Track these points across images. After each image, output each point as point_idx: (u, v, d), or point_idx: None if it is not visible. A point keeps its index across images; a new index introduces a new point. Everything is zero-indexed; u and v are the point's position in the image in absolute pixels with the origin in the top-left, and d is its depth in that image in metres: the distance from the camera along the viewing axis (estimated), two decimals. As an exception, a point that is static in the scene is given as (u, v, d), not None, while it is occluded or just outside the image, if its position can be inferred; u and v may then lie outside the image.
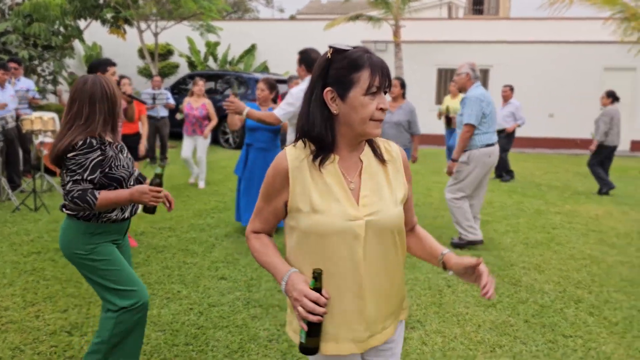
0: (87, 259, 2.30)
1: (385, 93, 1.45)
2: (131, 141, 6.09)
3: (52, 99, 13.28)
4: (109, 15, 12.72)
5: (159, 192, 2.29)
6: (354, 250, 1.43)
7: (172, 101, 9.64)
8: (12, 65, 7.49)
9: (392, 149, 1.58)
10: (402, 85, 5.61)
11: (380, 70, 1.41)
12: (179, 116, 8.50)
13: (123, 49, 14.80)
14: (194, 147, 7.55)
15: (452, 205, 5.04)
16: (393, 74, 12.81)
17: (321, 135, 1.44)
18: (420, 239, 1.68)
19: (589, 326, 3.47)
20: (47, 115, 6.82)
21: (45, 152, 6.71)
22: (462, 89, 5.07)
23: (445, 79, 14.85)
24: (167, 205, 2.42)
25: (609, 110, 8.10)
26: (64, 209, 2.32)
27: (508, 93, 9.26)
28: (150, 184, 2.33)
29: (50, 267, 4.22)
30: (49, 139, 6.90)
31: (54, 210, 5.98)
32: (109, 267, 2.32)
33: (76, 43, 14.34)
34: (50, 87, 12.41)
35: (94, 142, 2.23)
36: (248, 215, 5.05)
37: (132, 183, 2.43)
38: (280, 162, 1.47)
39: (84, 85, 2.29)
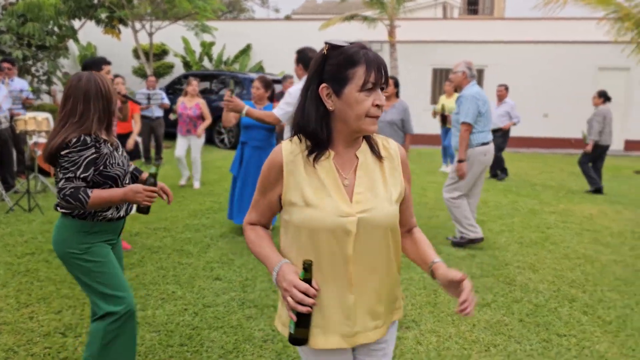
0: (80, 259, 2.27)
1: (382, 89, 1.44)
2: (124, 141, 6.08)
3: (46, 99, 13.22)
4: (103, 15, 12.67)
5: (153, 191, 2.27)
6: (344, 246, 1.43)
7: (166, 101, 9.61)
8: (6, 65, 7.45)
9: (390, 146, 1.57)
10: (396, 85, 5.62)
11: (376, 66, 1.41)
12: (172, 116, 8.49)
13: (118, 49, 14.74)
14: (187, 146, 7.54)
15: (451, 204, 5.04)
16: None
17: (316, 131, 1.44)
18: (415, 243, 1.66)
19: (583, 325, 3.48)
20: (41, 115, 6.78)
21: (39, 152, 6.68)
22: (458, 87, 5.08)
23: (441, 79, 14.88)
24: (165, 197, 2.42)
25: (602, 110, 8.14)
26: (58, 208, 2.30)
27: (503, 92, 9.29)
28: (145, 184, 2.30)
29: (44, 268, 4.20)
30: (42, 140, 6.87)
31: (48, 211, 5.95)
32: (102, 269, 2.29)
33: (70, 43, 14.26)
34: (44, 87, 12.35)
35: (88, 139, 2.21)
36: (243, 214, 5.05)
37: (127, 181, 2.40)
38: (276, 156, 1.49)
39: (79, 83, 2.26)
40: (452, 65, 5.36)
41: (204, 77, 13.70)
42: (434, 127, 12.27)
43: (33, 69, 12.13)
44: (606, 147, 8.25)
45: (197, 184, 7.64)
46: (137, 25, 13.55)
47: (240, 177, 5.16)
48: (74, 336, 3.12)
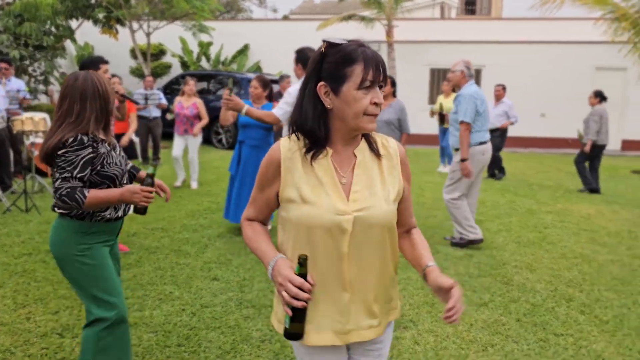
0: (77, 261, 2.25)
1: (380, 87, 1.43)
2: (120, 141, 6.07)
3: (43, 99, 13.19)
4: (100, 15, 12.65)
5: (151, 192, 2.25)
6: (339, 244, 1.43)
7: (164, 101, 9.60)
8: (3, 65, 7.43)
9: (389, 145, 1.57)
10: (393, 84, 5.62)
11: (374, 64, 1.40)
12: (169, 116, 8.47)
13: (115, 49, 14.71)
14: (185, 146, 7.52)
15: (452, 205, 5.04)
16: (386, 74, 12.83)
17: (313, 129, 1.44)
18: (412, 244, 1.64)
19: (580, 324, 3.49)
20: (38, 115, 6.77)
21: (36, 152, 6.66)
22: (456, 87, 5.09)
23: (438, 79, 14.90)
24: (162, 195, 2.40)
25: (598, 110, 8.18)
26: (55, 209, 2.27)
27: (500, 92, 9.31)
28: (142, 184, 2.28)
29: (42, 269, 4.19)
30: (40, 140, 6.86)
31: (45, 211, 5.94)
32: (97, 272, 2.26)
33: (68, 43, 14.25)
34: (41, 87, 12.33)
35: (85, 139, 2.18)
36: (239, 213, 5.04)
37: (125, 181, 2.38)
38: (274, 153, 1.49)
39: (75, 82, 2.24)
40: (449, 65, 5.37)
41: (201, 77, 13.69)
42: (431, 127, 12.28)
43: (30, 69, 12.10)
44: (603, 147, 8.28)
45: (194, 184, 7.63)
46: (135, 25, 13.53)
47: (238, 177, 5.16)
48: (71, 337, 3.11)
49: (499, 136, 9.10)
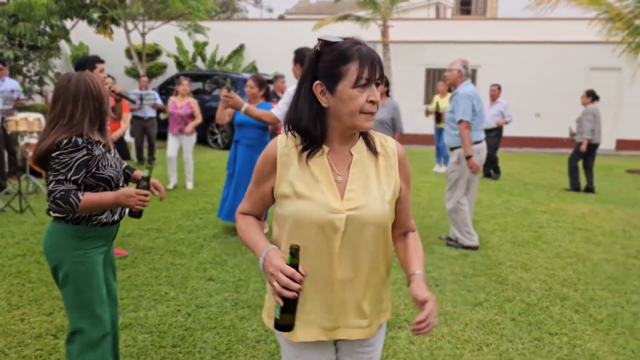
0: (70, 266, 2.19)
1: (377, 85, 1.42)
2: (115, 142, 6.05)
3: (38, 99, 13.14)
4: (95, 15, 12.61)
5: (146, 195, 2.21)
6: (331, 242, 1.43)
7: (159, 101, 9.57)
8: (-3, 65, 7.40)
9: (388, 144, 1.55)
10: (386, 84, 5.63)
11: (370, 61, 1.38)
12: (162, 116, 8.44)
13: (110, 49, 14.67)
14: (179, 146, 7.47)
15: (458, 207, 5.02)
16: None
17: (309, 128, 1.44)
18: (405, 248, 1.62)
19: (575, 323, 3.50)
20: (33, 116, 6.75)
21: (31, 153, 6.64)
22: (452, 85, 5.10)
23: (434, 79, 14.93)
24: (157, 193, 2.36)
25: (591, 109, 8.22)
26: (50, 212, 2.22)
27: (496, 92, 9.34)
28: (137, 187, 2.24)
29: (36, 270, 4.18)
30: (34, 140, 6.83)
31: (39, 212, 5.92)
32: (88, 280, 2.21)
33: (62, 43, 14.19)
34: (36, 87, 12.28)
35: (80, 141, 2.14)
36: (235, 212, 5.04)
37: (121, 183, 2.35)
38: (271, 149, 1.50)
39: (68, 83, 2.21)
40: (445, 65, 5.38)
41: (197, 77, 13.67)
42: (427, 127, 12.31)
43: (25, 69, 12.06)
44: (597, 146, 8.33)
45: (190, 185, 7.61)
46: (130, 25, 13.50)
47: (234, 176, 5.17)
48: (65, 338, 3.09)
49: (495, 136, 9.13)
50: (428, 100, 14.64)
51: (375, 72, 1.39)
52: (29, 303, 3.57)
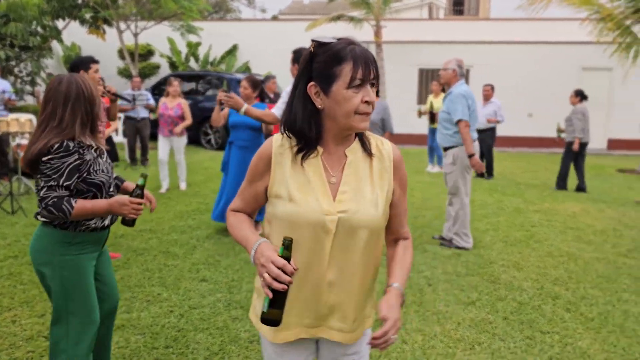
0: (58, 273, 2.14)
1: (372, 85, 1.41)
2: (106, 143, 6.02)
3: (29, 100, 13.07)
4: (87, 15, 12.56)
5: (140, 204, 2.16)
6: (322, 244, 1.42)
7: (152, 102, 9.54)
8: (-12, 66, 7.36)
9: (384, 147, 1.53)
10: None
11: (364, 62, 1.37)
12: (152, 116, 8.41)
13: (102, 49, 14.60)
14: (170, 148, 7.40)
15: (464, 208, 5.04)
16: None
17: (303, 130, 1.43)
18: (392, 257, 1.59)
19: (566, 322, 3.53)
20: (24, 117, 6.71)
21: (22, 154, 6.60)
22: (447, 85, 5.12)
23: (427, 79, 14.97)
24: (148, 204, 2.31)
25: (580, 108, 8.28)
26: (38, 217, 2.17)
27: (489, 92, 9.38)
28: (131, 195, 2.18)
29: (28, 272, 4.15)
30: (26, 141, 6.79)
31: (31, 213, 5.88)
32: (78, 286, 2.17)
33: (54, 43, 14.12)
34: (28, 88, 12.21)
35: (71, 145, 2.10)
36: None
37: (112, 189, 2.30)
38: (266, 148, 1.49)
39: (59, 85, 2.17)
40: (438, 65, 5.41)
41: (190, 77, 13.63)
42: (421, 127, 12.34)
43: (16, 70, 11.99)
44: (586, 145, 8.39)
45: (183, 185, 7.59)
46: (122, 25, 13.45)
47: (229, 177, 5.16)
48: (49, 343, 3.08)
49: (489, 136, 9.18)
50: (421, 100, 14.67)
51: (369, 72, 1.38)
52: (21, 305, 3.55)
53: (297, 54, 4.33)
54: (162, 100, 7.45)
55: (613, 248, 5.25)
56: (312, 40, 1.43)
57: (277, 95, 8.16)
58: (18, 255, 4.53)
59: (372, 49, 14.14)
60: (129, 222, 2.23)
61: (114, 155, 8.65)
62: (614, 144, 14.67)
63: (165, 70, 16.02)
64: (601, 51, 12.02)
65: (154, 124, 9.96)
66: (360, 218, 1.43)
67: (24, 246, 4.77)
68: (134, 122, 9.37)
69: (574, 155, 8.36)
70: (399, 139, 13.45)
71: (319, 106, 1.42)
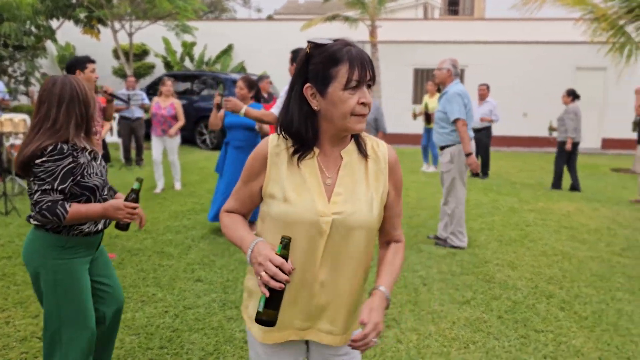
0: (50, 277, 2.12)
1: (369, 87, 1.40)
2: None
3: (23, 100, 13.01)
4: (82, 15, 12.51)
5: (135, 208, 2.14)
6: (316, 244, 1.42)
7: (147, 101, 9.52)
8: (-19, 66, 7.32)
9: (379, 149, 1.53)
10: None
11: (360, 63, 1.37)
12: (146, 115, 8.39)
13: (97, 49, 14.52)
14: (163, 148, 7.37)
15: (460, 206, 5.05)
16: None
17: (299, 131, 1.43)
18: (382, 259, 1.59)
19: (560, 321, 3.54)
20: (18, 117, 6.68)
21: (16, 154, 6.57)
22: (442, 84, 5.13)
23: (422, 79, 15.00)
24: (138, 222, 2.27)
25: (572, 108, 8.31)
26: (30, 220, 2.14)
27: (485, 92, 9.40)
28: (126, 199, 2.17)
29: (21, 272, 4.13)
30: (19, 141, 6.77)
31: (25, 214, 5.86)
32: (71, 291, 2.14)
33: (49, 43, 14.04)
34: (22, 88, 12.15)
35: (65, 147, 2.07)
36: None
37: (105, 192, 2.27)
38: (261, 148, 1.49)
39: (53, 87, 2.14)
40: (433, 65, 5.43)
41: (185, 77, 13.60)
42: (416, 126, 12.36)
43: (10, 70, 11.94)
44: (578, 144, 8.42)
45: (178, 185, 7.57)
46: (117, 25, 13.40)
47: (224, 178, 5.16)
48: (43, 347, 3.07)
49: (485, 135, 9.21)
50: (417, 100, 14.70)
51: (365, 74, 1.38)
52: (14, 306, 3.54)
53: (296, 54, 4.33)
54: (155, 99, 7.42)
55: (607, 247, 5.27)
56: (308, 42, 1.42)
57: (271, 95, 8.16)
58: (12, 256, 4.50)
59: (367, 49, 14.15)
60: (123, 227, 2.21)
61: (106, 156, 8.61)
62: (608, 144, 14.74)
63: (160, 70, 15.98)
64: (595, 51, 12.08)
65: (149, 124, 9.95)
66: (355, 220, 1.43)
67: (18, 247, 4.75)
68: (129, 122, 9.34)
69: (567, 155, 8.39)
70: (393, 139, 13.47)
71: (315, 107, 1.42)
